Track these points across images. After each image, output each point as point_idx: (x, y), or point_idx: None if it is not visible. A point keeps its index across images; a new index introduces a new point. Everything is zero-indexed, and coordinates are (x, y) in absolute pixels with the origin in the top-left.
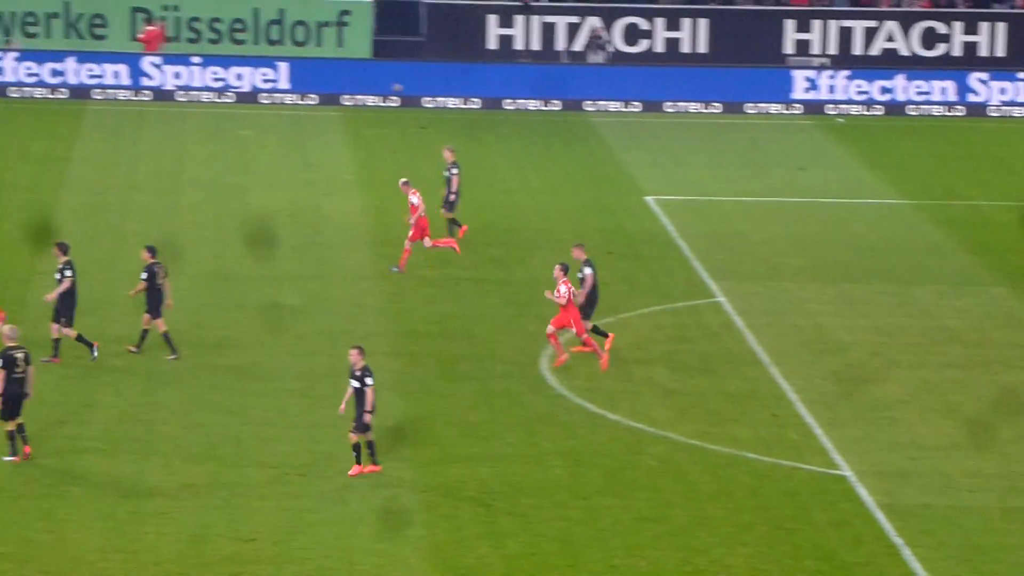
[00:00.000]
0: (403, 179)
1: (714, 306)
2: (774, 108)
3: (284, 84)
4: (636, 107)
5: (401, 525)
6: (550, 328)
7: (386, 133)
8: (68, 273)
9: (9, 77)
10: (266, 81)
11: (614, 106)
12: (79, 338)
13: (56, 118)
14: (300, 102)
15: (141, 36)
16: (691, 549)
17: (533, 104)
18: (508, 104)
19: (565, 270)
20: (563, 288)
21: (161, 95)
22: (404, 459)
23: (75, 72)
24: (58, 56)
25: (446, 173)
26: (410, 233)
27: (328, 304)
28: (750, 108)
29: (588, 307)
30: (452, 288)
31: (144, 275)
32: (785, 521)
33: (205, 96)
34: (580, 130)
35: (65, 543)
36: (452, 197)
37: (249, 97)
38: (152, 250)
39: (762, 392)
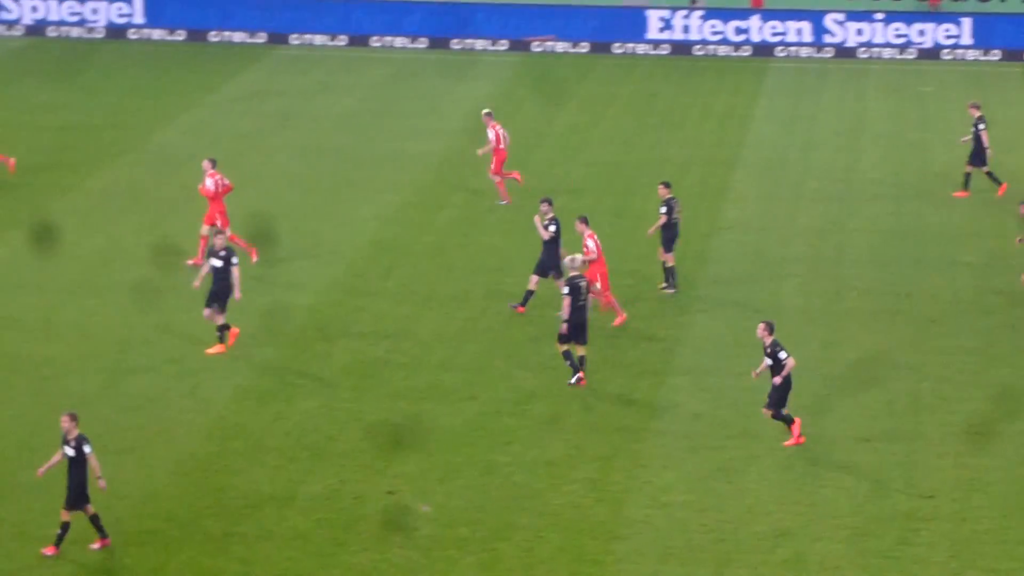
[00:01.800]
0: (486, 110)
1: None
2: None
3: (966, 40)
4: None
5: None
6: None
7: None
8: (662, 210)
9: (694, 36)
10: (948, 37)
11: None
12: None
13: (739, 75)
14: (982, 58)
15: None
16: None
17: None
18: None
19: (586, 222)
20: (591, 243)
21: (843, 52)
22: None
23: (759, 30)
24: (742, 14)
25: (973, 129)
26: (492, 166)
27: (1006, 261)
28: None
29: None
30: None
31: (663, 209)
32: None
33: (887, 53)
34: None
35: (744, 493)
36: (986, 152)
37: (931, 54)
38: (668, 185)
39: None
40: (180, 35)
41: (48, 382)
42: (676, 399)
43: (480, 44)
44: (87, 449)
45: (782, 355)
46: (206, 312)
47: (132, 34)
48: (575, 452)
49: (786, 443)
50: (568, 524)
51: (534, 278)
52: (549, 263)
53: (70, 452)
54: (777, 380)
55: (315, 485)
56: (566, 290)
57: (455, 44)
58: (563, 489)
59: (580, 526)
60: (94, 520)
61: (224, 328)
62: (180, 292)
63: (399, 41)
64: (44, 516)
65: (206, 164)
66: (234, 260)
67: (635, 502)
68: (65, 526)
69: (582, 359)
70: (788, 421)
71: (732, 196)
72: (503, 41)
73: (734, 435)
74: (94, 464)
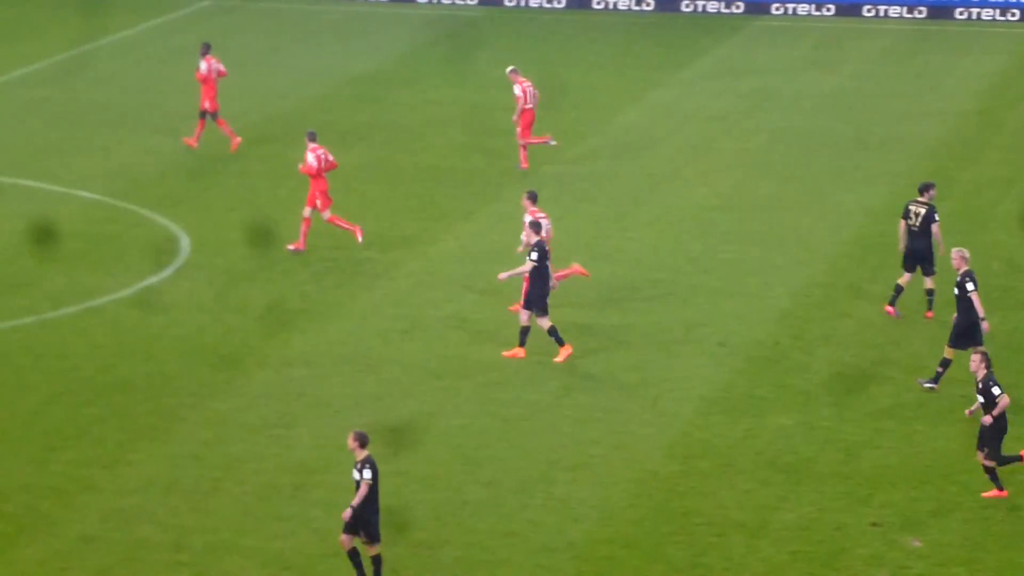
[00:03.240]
0: (510, 67)
1: None
2: None
3: None
4: None
5: None
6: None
7: None
8: None
9: None
10: None
11: None
12: None
13: None
14: None
15: None
16: None
17: None
18: None
19: (534, 199)
20: (544, 222)
21: None
22: None
23: None
24: None
25: None
26: (518, 130)
27: None
28: None
29: None
30: None
31: None
32: None
33: None
34: None
35: None
36: None
37: None
38: None
39: None
40: (648, 5)
41: (497, 388)
42: None
43: (987, 13)
44: (366, 475)
45: (995, 391)
46: (524, 315)
47: (596, 4)
48: None
49: (985, 494)
50: None
51: (906, 276)
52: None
53: (356, 476)
54: (987, 419)
55: (790, 513)
56: (970, 286)
57: (959, 14)
58: None
59: None
60: (351, 555)
61: (526, 334)
62: (640, 291)
63: (894, 11)
64: (491, 538)
65: (307, 139)
66: (532, 257)
67: None
68: (376, 559)
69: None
70: (1009, 460)
71: None
72: (1014, 10)
73: None
74: (360, 492)
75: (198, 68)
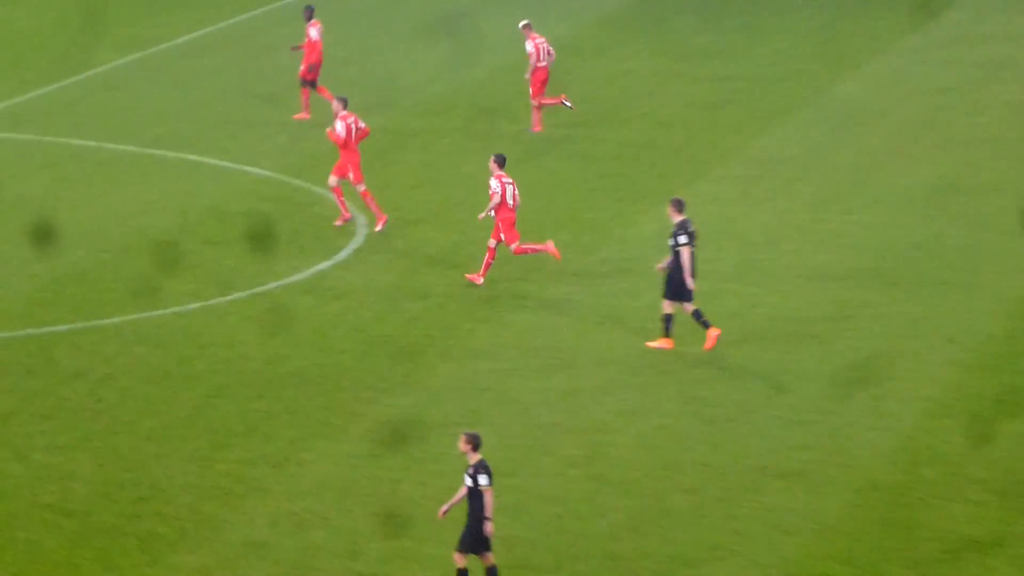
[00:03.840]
0: (524, 21)
1: None
2: None
3: None
4: None
5: None
6: (514, 246)
7: None
8: None
9: None
10: None
11: None
12: None
13: None
14: None
15: None
16: None
17: None
18: None
19: (500, 163)
20: (493, 183)
21: None
22: None
23: None
24: None
25: None
26: (531, 90)
27: None
28: None
29: None
30: None
31: None
32: None
33: None
34: None
35: None
36: None
37: None
38: None
39: None
40: None
41: (700, 386)
42: None
43: None
44: (483, 481)
45: None
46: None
47: None
48: None
49: None
50: None
51: None
52: None
53: (468, 482)
54: None
55: None
56: None
57: None
58: None
59: None
60: (490, 573)
61: (701, 317)
62: (859, 280)
63: None
64: (694, 550)
65: (336, 105)
66: (680, 241)
67: None
68: (461, 573)
69: None
70: None
71: None
72: None
73: None
74: (487, 501)
75: (308, 35)
